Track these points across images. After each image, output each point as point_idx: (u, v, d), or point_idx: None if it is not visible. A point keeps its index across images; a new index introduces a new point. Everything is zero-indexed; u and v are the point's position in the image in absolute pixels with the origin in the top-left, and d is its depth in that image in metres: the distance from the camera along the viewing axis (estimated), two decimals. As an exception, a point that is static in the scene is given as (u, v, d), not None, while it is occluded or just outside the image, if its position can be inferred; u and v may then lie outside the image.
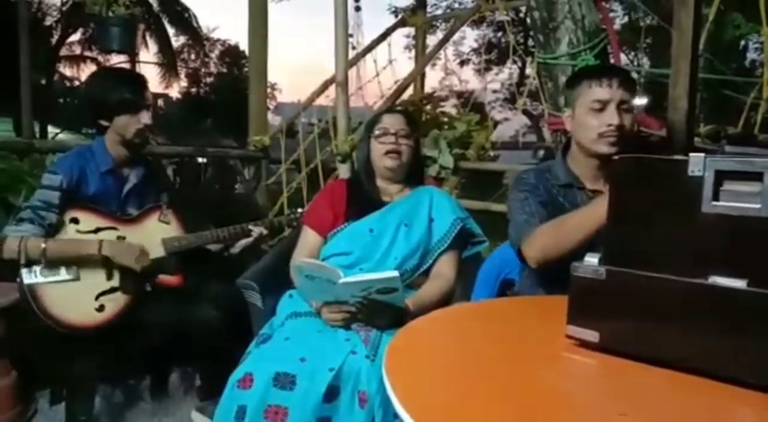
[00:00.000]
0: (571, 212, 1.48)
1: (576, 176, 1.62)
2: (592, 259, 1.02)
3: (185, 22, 17.05)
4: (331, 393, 1.45)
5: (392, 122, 1.92)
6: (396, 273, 1.56)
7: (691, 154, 0.95)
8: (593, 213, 1.35)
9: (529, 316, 1.34)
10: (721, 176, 0.92)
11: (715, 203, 0.92)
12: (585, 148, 1.58)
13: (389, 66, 5.34)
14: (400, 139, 1.89)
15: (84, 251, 1.85)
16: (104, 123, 1.96)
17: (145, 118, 1.95)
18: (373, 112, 4.58)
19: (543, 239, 1.46)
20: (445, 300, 1.78)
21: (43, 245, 1.80)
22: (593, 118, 1.53)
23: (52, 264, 1.83)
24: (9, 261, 1.81)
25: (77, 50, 16.79)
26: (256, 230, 2.13)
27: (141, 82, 2.02)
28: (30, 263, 1.81)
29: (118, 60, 12.61)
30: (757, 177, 0.89)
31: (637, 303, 0.97)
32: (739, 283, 0.87)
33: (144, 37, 15.09)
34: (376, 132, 1.92)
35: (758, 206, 0.88)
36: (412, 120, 2.01)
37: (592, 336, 1.01)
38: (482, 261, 2.03)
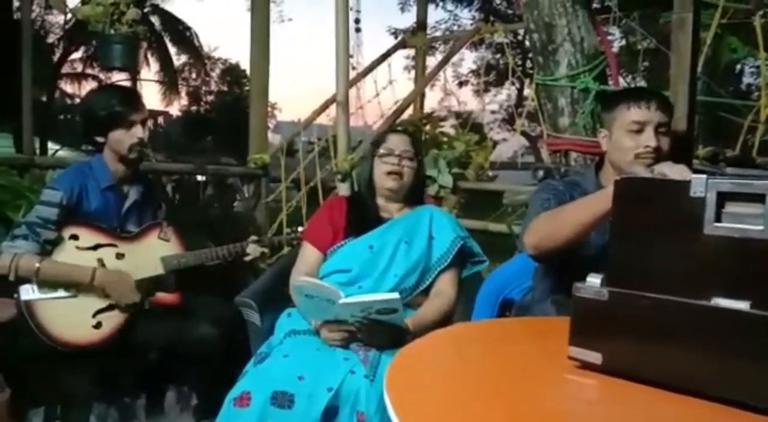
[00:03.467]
0: (571, 202, 1.47)
1: None
2: (594, 280, 1.02)
3: (187, 40, 17.19)
4: (330, 413, 1.44)
5: (397, 143, 1.93)
6: (396, 295, 1.56)
7: (693, 176, 0.95)
8: (592, 204, 1.34)
9: (530, 337, 1.33)
10: (723, 198, 0.92)
11: (717, 224, 0.92)
12: (620, 169, 1.58)
13: (389, 86, 5.39)
14: (404, 161, 1.90)
15: (77, 278, 1.84)
16: (100, 139, 1.96)
17: (139, 132, 1.95)
18: (372, 131, 4.61)
19: (540, 225, 1.46)
20: (446, 319, 1.77)
21: (37, 265, 1.79)
22: (630, 139, 1.54)
23: (46, 283, 1.82)
24: (5, 278, 1.80)
25: (79, 68, 16.89)
26: (251, 249, 2.12)
27: (135, 96, 2.02)
28: (24, 280, 1.80)
29: (119, 78, 12.69)
30: (759, 198, 0.89)
31: (640, 325, 0.96)
32: (742, 305, 0.87)
33: (146, 55, 15.18)
34: (381, 151, 1.92)
35: (761, 228, 0.88)
36: (417, 142, 2.03)
37: (594, 357, 1.00)
38: (482, 281, 2.02)
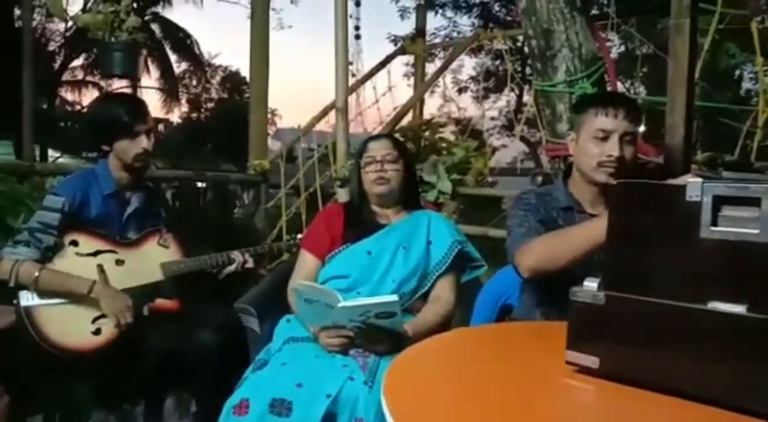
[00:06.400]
0: (572, 226, 1.48)
1: (576, 200, 1.63)
2: (591, 284, 1.02)
3: (187, 48, 17.22)
4: (329, 420, 1.43)
5: (378, 148, 1.93)
6: (395, 298, 1.55)
7: (689, 179, 0.95)
8: (592, 231, 1.34)
9: (528, 341, 1.33)
10: (719, 201, 0.92)
11: (713, 228, 0.92)
12: (584, 175, 1.60)
13: (389, 93, 5.42)
14: (386, 165, 1.90)
15: (75, 289, 1.84)
16: (105, 147, 1.97)
17: (144, 142, 1.95)
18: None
19: (539, 248, 1.46)
20: (445, 324, 1.77)
21: (36, 274, 1.79)
22: (595, 146, 1.54)
23: (44, 292, 1.82)
24: (5, 284, 1.80)
25: (79, 75, 16.92)
26: (234, 255, 2.10)
27: (141, 106, 2.02)
28: (24, 286, 1.80)
29: (119, 85, 12.74)
30: (754, 202, 0.89)
31: (637, 329, 0.97)
32: (739, 308, 0.87)
33: (146, 62, 15.20)
34: (364, 161, 1.93)
35: (756, 231, 0.89)
36: (398, 143, 2.03)
37: (591, 362, 1.00)
38: (481, 287, 2.02)
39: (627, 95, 2.26)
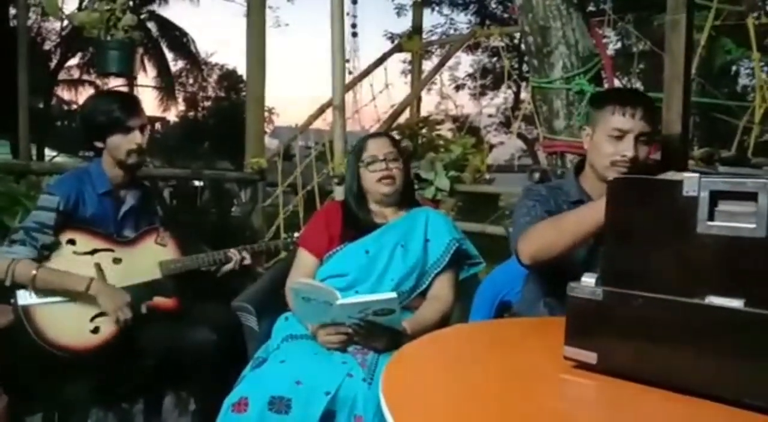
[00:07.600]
0: (570, 211, 1.48)
1: (587, 194, 1.63)
2: (589, 280, 1.02)
3: (184, 46, 17.19)
4: (327, 417, 1.44)
5: (379, 147, 1.91)
6: (394, 295, 1.56)
7: (686, 175, 0.96)
8: (591, 214, 1.34)
9: (526, 337, 1.33)
10: (715, 196, 0.92)
11: (710, 223, 0.92)
12: (596, 171, 1.60)
13: (385, 90, 5.43)
14: (390, 163, 1.89)
15: (73, 287, 1.83)
16: (99, 144, 1.96)
17: (138, 138, 1.94)
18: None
19: (538, 234, 1.46)
20: (443, 321, 1.77)
21: (34, 272, 1.78)
22: (610, 144, 1.54)
23: (41, 290, 1.81)
24: (1, 283, 1.79)
25: (76, 74, 16.88)
26: (231, 253, 2.09)
27: (134, 102, 2.01)
28: (21, 285, 1.80)
29: (116, 83, 12.67)
30: (751, 197, 0.89)
31: (635, 324, 0.97)
32: (737, 303, 0.88)
33: (142, 60, 15.18)
34: (365, 160, 1.91)
35: (753, 226, 0.89)
36: (397, 142, 2.03)
37: (590, 357, 1.00)
38: (479, 283, 2.02)
39: (645, 94, 2.25)
